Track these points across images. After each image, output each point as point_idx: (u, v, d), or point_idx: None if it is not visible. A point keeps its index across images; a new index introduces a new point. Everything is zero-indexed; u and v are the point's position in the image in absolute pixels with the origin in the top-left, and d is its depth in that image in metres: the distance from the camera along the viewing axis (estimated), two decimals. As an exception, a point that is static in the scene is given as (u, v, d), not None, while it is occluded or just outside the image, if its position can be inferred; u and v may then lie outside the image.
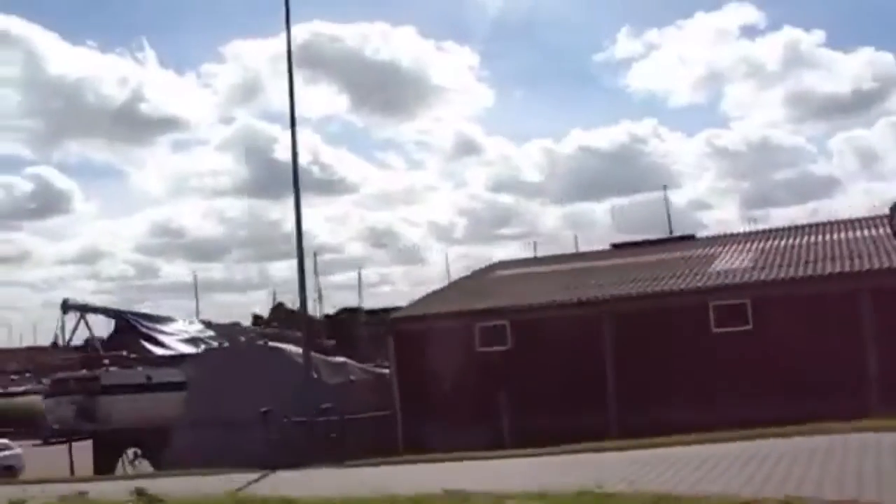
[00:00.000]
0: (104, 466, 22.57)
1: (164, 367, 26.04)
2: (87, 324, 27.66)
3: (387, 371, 24.34)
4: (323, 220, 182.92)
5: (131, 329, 27.75)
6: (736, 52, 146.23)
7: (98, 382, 24.68)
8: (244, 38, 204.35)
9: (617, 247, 29.90)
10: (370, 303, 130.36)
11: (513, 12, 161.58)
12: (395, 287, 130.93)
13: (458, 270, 79.55)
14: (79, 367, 26.32)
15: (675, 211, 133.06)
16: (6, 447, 27.93)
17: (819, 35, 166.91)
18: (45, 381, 28.45)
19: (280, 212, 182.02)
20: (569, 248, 44.88)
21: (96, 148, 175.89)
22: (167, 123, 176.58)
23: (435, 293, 26.56)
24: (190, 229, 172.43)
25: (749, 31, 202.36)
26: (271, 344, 23.58)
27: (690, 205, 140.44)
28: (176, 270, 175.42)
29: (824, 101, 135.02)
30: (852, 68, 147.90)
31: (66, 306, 27.33)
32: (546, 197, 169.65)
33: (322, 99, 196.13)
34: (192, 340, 28.20)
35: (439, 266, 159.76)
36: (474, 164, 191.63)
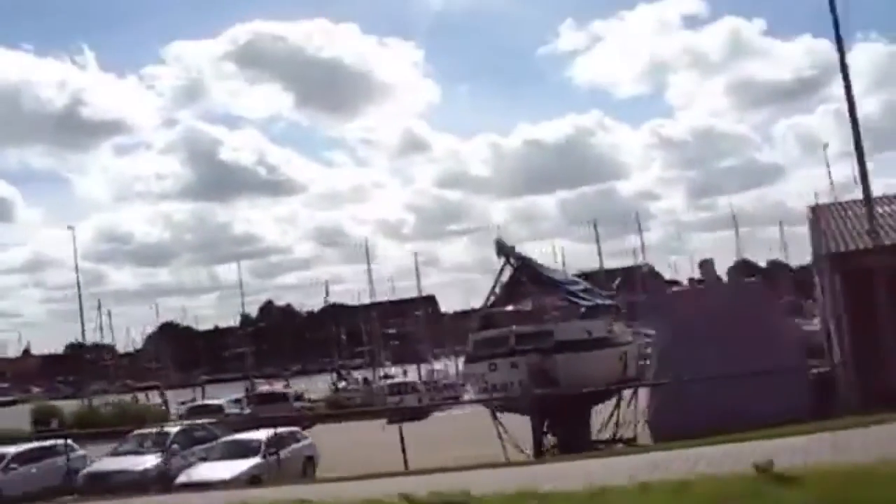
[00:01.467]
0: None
1: (588, 319, 22.08)
2: (513, 268, 23.02)
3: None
4: (272, 221, 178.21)
5: (533, 277, 23.26)
6: (679, 43, 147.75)
7: (552, 337, 20.41)
8: (185, 39, 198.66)
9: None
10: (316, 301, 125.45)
11: (456, 7, 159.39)
12: (347, 286, 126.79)
13: (408, 267, 77.53)
14: (508, 321, 21.77)
15: (623, 201, 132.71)
16: (302, 436, 23.63)
17: (760, 23, 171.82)
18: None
19: (227, 214, 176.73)
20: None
21: (38, 154, 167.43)
22: (109, 127, 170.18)
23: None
24: (136, 235, 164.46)
25: (691, 22, 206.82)
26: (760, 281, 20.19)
27: (638, 195, 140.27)
28: (123, 277, 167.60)
29: (766, 88, 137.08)
30: (793, 56, 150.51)
31: (502, 247, 22.71)
32: (494, 192, 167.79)
33: (266, 98, 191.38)
34: (588, 291, 24.21)
35: (391, 263, 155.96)
36: (421, 161, 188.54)
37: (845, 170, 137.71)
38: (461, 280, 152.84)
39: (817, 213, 25.96)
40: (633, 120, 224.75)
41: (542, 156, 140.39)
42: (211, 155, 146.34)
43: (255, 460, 20.74)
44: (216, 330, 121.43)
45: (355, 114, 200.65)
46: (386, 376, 69.20)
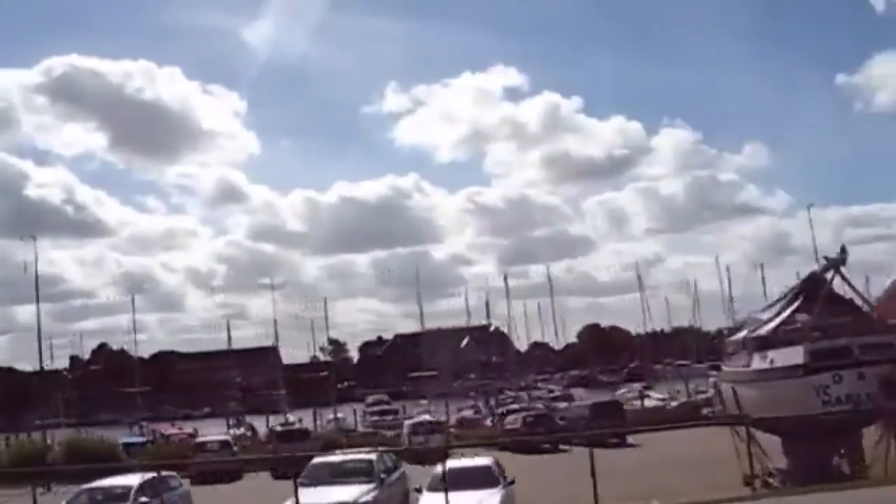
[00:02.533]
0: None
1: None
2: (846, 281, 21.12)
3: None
4: (76, 263, 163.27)
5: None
6: (499, 113, 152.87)
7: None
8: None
9: None
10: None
11: (282, 60, 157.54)
12: (150, 334, 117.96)
13: (216, 319, 74.13)
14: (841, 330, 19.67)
15: (436, 265, 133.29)
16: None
17: (577, 101, 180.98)
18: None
19: (27, 253, 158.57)
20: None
21: None
22: None
23: None
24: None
25: (512, 94, 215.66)
26: None
27: (451, 259, 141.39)
28: None
29: (579, 164, 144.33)
30: (605, 135, 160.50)
31: (844, 254, 20.45)
32: (308, 247, 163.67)
33: (79, 136, 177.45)
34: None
35: (197, 314, 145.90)
36: (237, 212, 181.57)
37: (653, 246, 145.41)
38: (270, 334, 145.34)
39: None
40: (451, 185, 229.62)
41: (359, 214, 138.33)
42: (14, 189, 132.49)
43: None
44: (42, 372, 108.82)
45: (172, 159, 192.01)
46: (287, 422, 64.56)
